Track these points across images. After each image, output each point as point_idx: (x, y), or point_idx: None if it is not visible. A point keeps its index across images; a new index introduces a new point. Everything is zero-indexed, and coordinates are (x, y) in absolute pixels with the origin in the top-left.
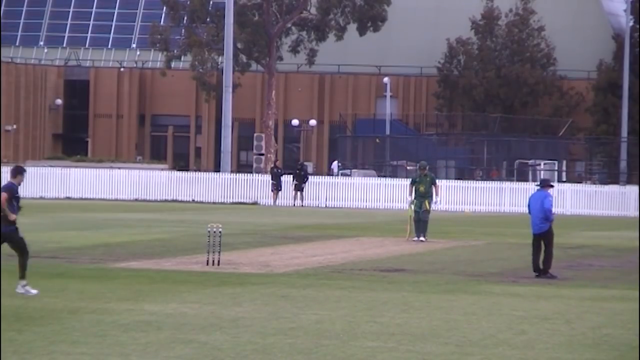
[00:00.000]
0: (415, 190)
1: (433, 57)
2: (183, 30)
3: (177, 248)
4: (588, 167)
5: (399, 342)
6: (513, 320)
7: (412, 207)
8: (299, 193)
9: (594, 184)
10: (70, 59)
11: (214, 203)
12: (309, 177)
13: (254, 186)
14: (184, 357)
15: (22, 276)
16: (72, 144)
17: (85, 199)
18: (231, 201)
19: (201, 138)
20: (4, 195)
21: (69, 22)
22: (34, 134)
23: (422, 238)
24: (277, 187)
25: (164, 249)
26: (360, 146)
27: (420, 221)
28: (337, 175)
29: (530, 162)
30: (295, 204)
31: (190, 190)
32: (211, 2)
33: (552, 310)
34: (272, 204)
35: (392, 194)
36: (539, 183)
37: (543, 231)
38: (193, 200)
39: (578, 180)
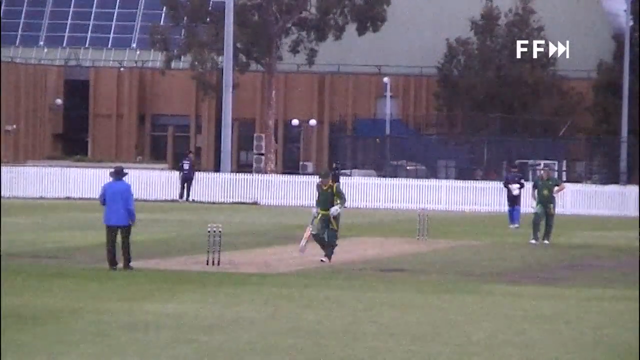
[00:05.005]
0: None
1: (433, 57)
2: (183, 30)
3: (177, 248)
4: (588, 167)
5: (399, 342)
6: (513, 320)
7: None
8: None
9: (594, 184)
10: (70, 59)
11: (214, 203)
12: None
13: (254, 186)
14: (184, 357)
15: None
16: (72, 144)
17: (85, 199)
18: (231, 201)
19: (201, 138)
20: None
21: (69, 22)
22: (34, 134)
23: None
24: None
25: (164, 249)
26: (360, 146)
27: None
28: None
29: (530, 162)
30: None
31: (191, 190)
32: (211, 2)
33: (552, 310)
34: None
35: (392, 194)
36: None
37: None
38: (193, 200)
39: (578, 180)
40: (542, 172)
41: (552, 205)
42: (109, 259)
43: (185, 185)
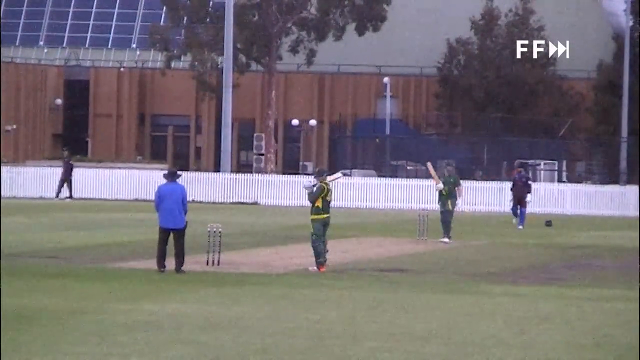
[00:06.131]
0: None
1: (433, 57)
2: (183, 30)
3: None
4: (588, 167)
5: (399, 342)
6: (513, 320)
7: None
8: None
9: (594, 184)
10: (70, 59)
11: (214, 203)
12: None
13: (254, 186)
14: (184, 357)
15: None
16: (72, 144)
17: (85, 199)
18: (231, 201)
19: (201, 138)
20: None
21: (69, 22)
22: (34, 134)
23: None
24: None
25: None
26: (360, 146)
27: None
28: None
29: (530, 162)
30: None
31: (190, 190)
32: (211, 2)
33: (552, 310)
34: None
35: (392, 194)
36: None
37: None
38: (193, 200)
39: (578, 180)
40: (446, 168)
41: (449, 201)
42: (159, 260)
43: (66, 183)
